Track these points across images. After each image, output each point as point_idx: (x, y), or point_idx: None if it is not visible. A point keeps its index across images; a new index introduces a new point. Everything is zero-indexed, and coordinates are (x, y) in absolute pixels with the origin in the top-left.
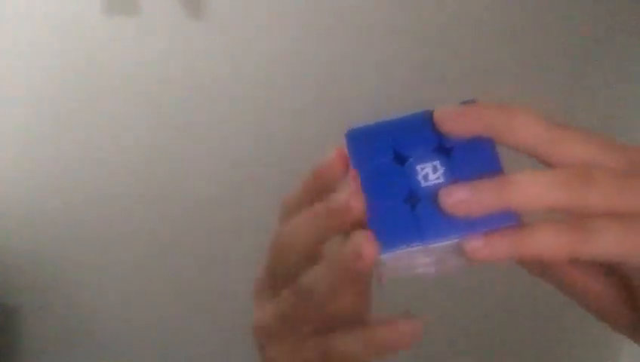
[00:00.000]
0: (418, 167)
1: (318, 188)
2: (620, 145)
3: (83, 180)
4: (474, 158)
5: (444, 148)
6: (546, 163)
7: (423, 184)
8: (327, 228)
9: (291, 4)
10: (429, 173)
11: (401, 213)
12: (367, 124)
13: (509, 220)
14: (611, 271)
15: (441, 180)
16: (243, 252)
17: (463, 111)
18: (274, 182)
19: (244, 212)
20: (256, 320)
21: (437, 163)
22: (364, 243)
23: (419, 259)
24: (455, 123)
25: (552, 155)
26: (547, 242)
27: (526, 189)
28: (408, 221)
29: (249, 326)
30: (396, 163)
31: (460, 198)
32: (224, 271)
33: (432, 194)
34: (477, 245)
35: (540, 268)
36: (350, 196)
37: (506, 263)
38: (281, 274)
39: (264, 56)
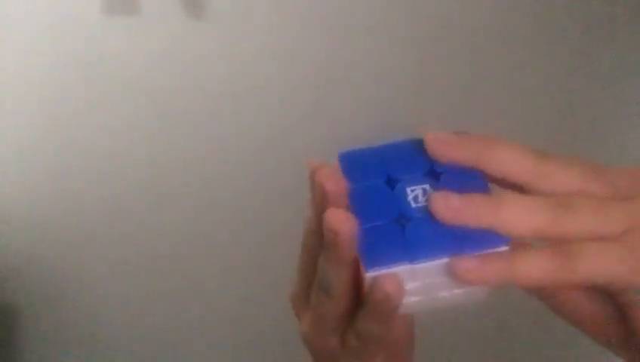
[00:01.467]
0: (408, 190)
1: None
2: (602, 170)
3: (83, 180)
4: (463, 183)
5: (434, 172)
6: (533, 192)
7: (413, 205)
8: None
9: (291, 5)
10: (419, 195)
11: (391, 232)
12: (359, 147)
13: (498, 243)
14: (600, 290)
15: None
16: (246, 253)
17: (453, 139)
18: (275, 182)
19: (247, 212)
20: (302, 334)
21: (427, 186)
22: (334, 218)
23: (409, 284)
24: (445, 149)
25: (538, 186)
26: (537, 268)
27: (514, 208)
28: (397, 241)
29: (249, 326)
30: (387, 185)
31: (452, 205)
32: (226, 273)
33: (422, 213)
34: (469, 266)
35: (539, 294)
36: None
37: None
38: (310, 281)
39: (264, 56)
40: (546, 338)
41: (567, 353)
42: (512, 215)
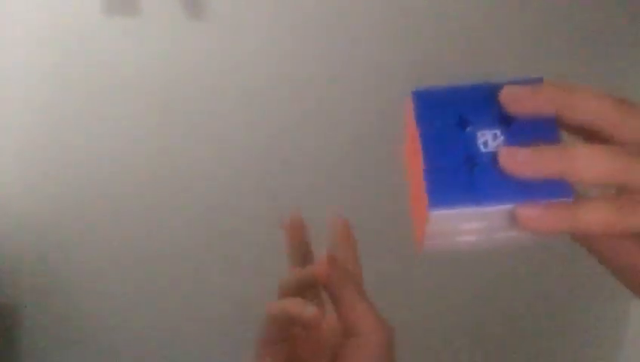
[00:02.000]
0: (479, 133)
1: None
2: None
3: (83, 180)
4: (534, 130)
5: (505, 118)
6: (609, 139)
7: (483, 150)
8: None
9: (291, 5)
10: (489, 140)
11: (459, 174)
12: (434, 86)
13: (564, 193)
14: None
15: (502, 147)
16: (244, 254)
17: (530, 93)
18: (274, 182)
19: (246, 213)
20: None
21: (497, 131)
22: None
23: (467, 225)
24: (522, 105)
25: (617, 131)
26: (599, 218)
27: (585, 159)
28: (465, 183)
29: (249, 325)
30: (459, 127)
31: (521, 158)
32: (225, 273)
33: (491, 159)
34: (532, 214)
35: (585, 240)
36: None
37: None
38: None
39: (264, 56)
40: (544, 339)
41: (566, 353)
42: (583, 164)
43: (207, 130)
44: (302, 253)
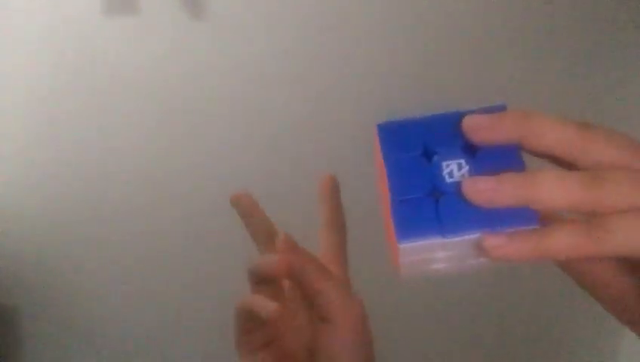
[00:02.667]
0: (444, 164)
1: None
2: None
3: (83, 180)
4: (499, 159)
5: (470, 147)
6: (573, 163)
7: (448, 180)
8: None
9: (291, 5)
10: (454, 170)
11: (425, 205)
12: (397, 118)
13: (529, 221)
14: (632, 267)
15: (466, 177)
16: (243, 254)
17: (492, 122)
18: (273, 182)
19: None
20: None
21: (462, 161)
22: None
23: (437, 254)
24: (485, 134)
25: (580, 156)
26: (566, 244)
27: (549, 186)
28: (430, 214)
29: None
30: (424, 157)
31: (483, 188)
32: (225, 274)
33: (456, 190)
34: (497, 242)
35: (564, 264)
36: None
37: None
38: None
39: (264, 56)
40: (544, 338)
41: (565, 353)
42: (547, 192)
43: (207, 130)
44: (264, 231)
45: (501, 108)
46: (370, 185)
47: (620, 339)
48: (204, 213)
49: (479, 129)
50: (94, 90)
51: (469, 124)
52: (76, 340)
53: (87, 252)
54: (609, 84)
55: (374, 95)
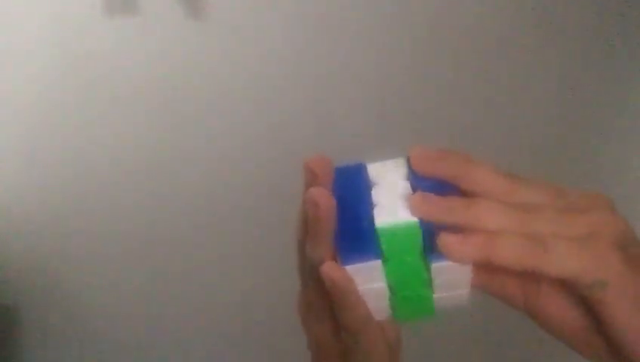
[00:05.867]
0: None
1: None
2: (564, 190)
3: (83, 180)
4: (439, 189)
5: (412, 184)
6: None
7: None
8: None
9: (291, 5)
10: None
11: (365, 232)
12: (354, 162)
13: None
14: (579, 300)
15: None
16: (245, 253)
17: (434, 155)
18: (272, 182)
19: (243, 211)
20: (308, 341)
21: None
22: (316, 192)
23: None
24: (426, 163)
25: (507, 198)
26: (512, 250)
27: (484, 208)
28: (369, 239)
29: (248, 322)
30: (368, 189)
31: (430, 201)
32: (225, 272)
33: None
34: (452, 239)
35: (521, 299)
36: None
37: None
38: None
39: (264, 56)
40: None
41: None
42: (484, 213)
43: (207, 129)
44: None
45: (445, 150)
46: None
47: None
48: (204, 212)
49: (425, 158)
50: (94, 90)
51: (417, 152)
52: (76, 340)
53: (87, 251)
54: (609, 83)
55: (374, 95)
